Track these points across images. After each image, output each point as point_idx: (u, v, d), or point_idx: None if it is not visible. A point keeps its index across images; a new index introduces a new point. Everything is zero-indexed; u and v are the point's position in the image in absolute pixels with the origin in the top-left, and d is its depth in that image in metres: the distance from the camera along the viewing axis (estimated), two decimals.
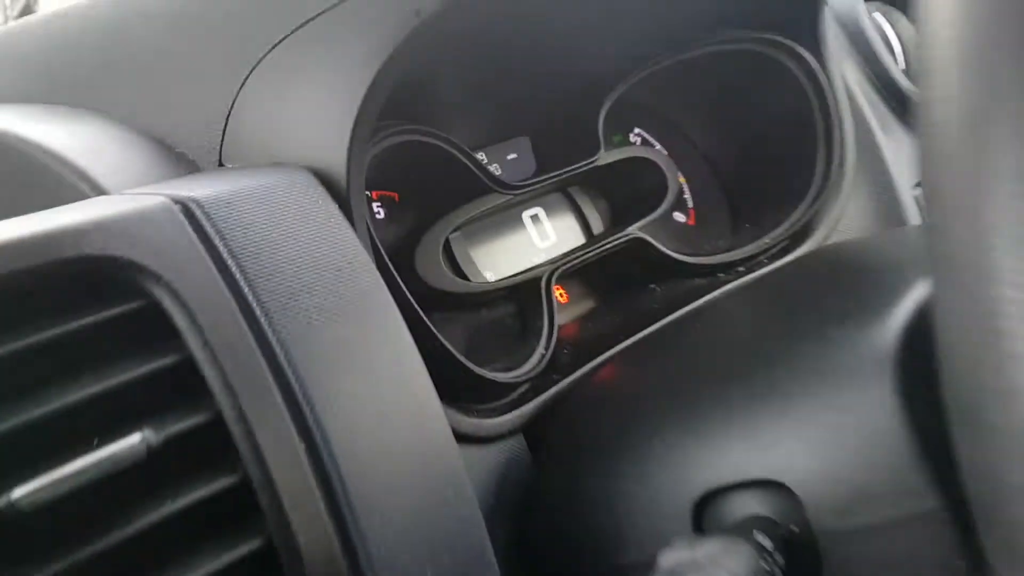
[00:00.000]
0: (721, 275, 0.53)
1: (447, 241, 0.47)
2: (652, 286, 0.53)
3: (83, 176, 0.34)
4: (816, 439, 0.29)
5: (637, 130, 0.60)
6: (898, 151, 0.58)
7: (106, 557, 0.23)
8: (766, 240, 0.54)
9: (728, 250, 0.54)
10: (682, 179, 0.60)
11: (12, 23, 0.44)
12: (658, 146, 0.60)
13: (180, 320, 0.26)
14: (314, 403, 0.27)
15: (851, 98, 0.57)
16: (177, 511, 0.24)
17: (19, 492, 0.22)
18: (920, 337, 0.29)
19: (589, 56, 0.51)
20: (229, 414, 0.25)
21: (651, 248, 0.52)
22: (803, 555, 0.29)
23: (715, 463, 0.31)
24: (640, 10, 0.49)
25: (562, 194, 0.55)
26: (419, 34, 0.33)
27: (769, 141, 0.58)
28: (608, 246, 0.51)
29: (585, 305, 0.54)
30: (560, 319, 0.48)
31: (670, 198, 0.55)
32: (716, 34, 0.54)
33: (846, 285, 0.36)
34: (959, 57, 0.19)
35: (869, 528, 0.28)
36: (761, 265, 0.53)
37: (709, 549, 0.26)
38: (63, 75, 0.38)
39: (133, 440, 0.24)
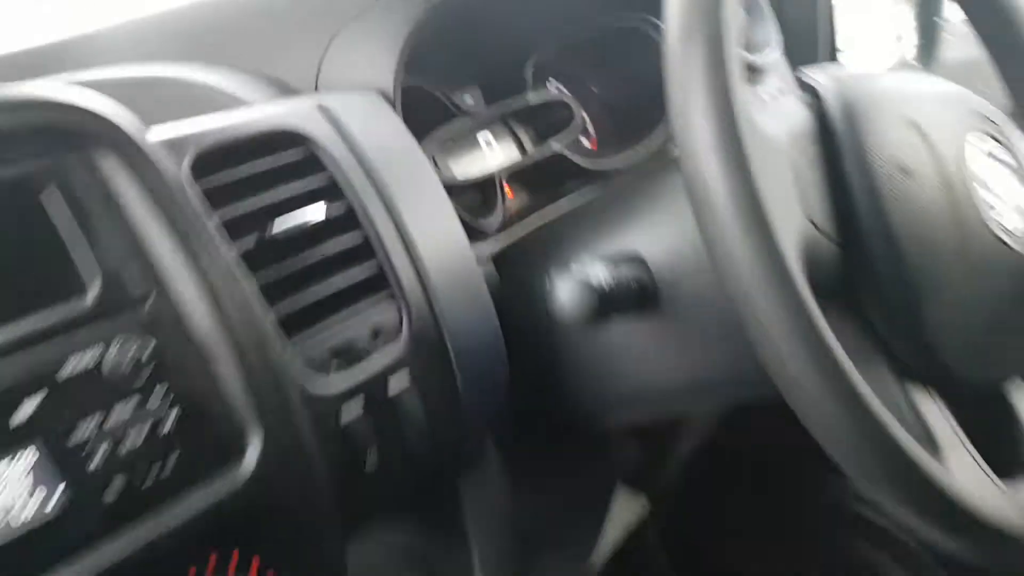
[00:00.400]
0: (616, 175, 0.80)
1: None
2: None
3: (236, 99, 0.58)
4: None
5: (553, 81, 0.86)
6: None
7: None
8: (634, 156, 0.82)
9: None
10: (585, 116, 0.87)
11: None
12: (567, 93, 0.87)
13: (326, 159, 0.51)
14: (400, 214, 0.52)
15: None
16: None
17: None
18: None
19: (521, 31, 0.78)
20: (358, 209, 0.51)
21: (566, 159, 0.78)
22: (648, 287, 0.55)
23: (600, 249, 0.57)
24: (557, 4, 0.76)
25: (503, 124, 0.81)
26: (428, 15, 0.59)
27: (642, 90, 0.86)
28: (537, 157, 0.77)
29: (523, 197, 0.80)
30: (508, 205, 0.74)
31: (576, 125, 0.81)
32: (609, 15, 0.82)
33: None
34: None
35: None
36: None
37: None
38: (208, 42, 0.62)
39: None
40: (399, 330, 0.52)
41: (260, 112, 0.51)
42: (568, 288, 0.51)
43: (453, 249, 0.55)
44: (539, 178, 0.79)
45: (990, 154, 0.52)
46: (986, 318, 0.50)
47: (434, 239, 0.54)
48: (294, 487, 0.44)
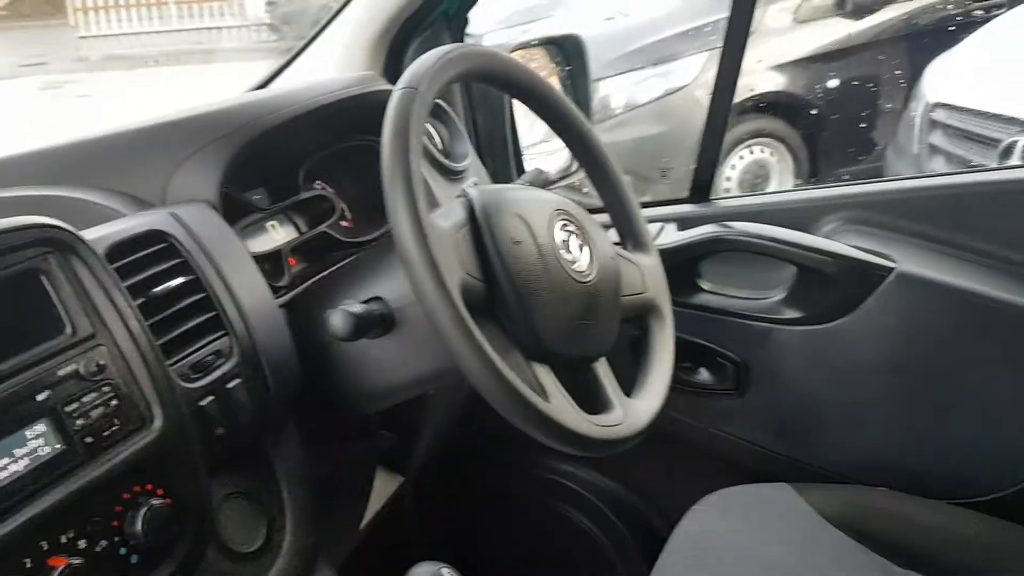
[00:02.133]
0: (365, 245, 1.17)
1: None
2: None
3: (107, 209, 0.88)
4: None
5: (319, 182, 1.22)
6: (442, 190, 1.27)
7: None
8: (382, 231, 1.19)
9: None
10: (344, 205, 1.23)
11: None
12: (330, 189, 1.23)
13: (181, 248, 0.83)
14: (228, 279, 0.85)
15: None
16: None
17: None
18: None
19: (294, 149, 1.13)
20: (202, 278, 0.83)
21: (330, 235, 1.13)
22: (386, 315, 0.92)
23: (354, 294, 0.94)
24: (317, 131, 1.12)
25: (284, 214, 1.15)
26: (237, 152, 0.93)
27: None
28: (309, 235, 1.12)
29: (303, 265, 1.15)
30: (292, 270, 1.08)
31: (336, 212, 1.17)
32: (352, 137, 1.19)
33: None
34: None
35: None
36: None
37: None
38: (81, 169, 0.92)
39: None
40: (232, 352, 0.85)
41: (135, 220, 0.82)
42: (334, 317, 0.86)
43: (262, 300, 0.89)
44: (312, 251, 1.13)
45: (566, 229, 0.93)
46: (570, 321, 0.90)
47: (250, 294, 0.88)
48: (179, 444, 0.75)
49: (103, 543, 0.69)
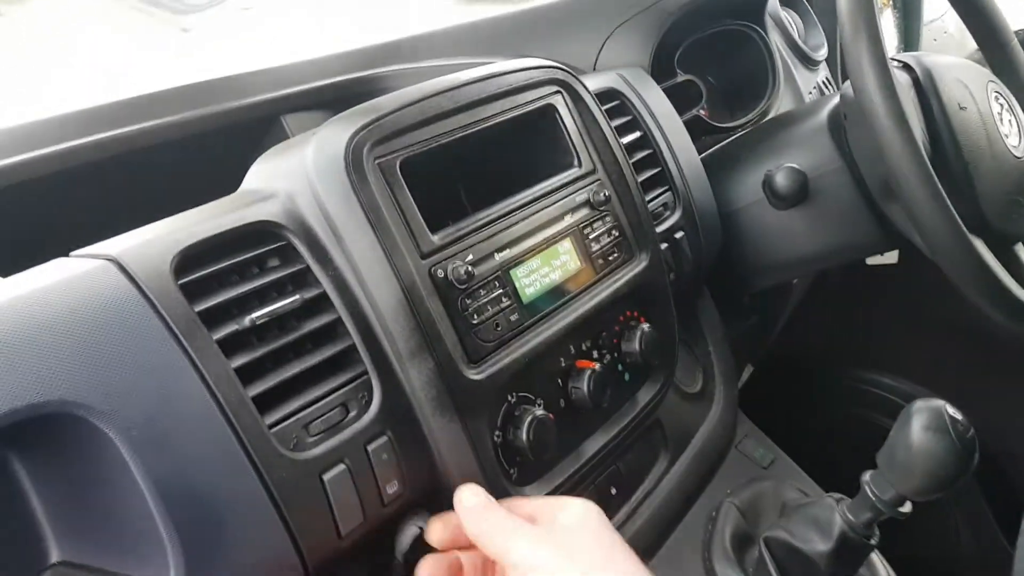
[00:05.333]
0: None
1: None
2: None
3: None
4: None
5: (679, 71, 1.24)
6: (802, 79, 1.26)
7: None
8: (749, 117, 1.20)
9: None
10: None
11: None
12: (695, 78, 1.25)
13: (632, 108, 0.87)
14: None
15: (780, 53, 1.24)
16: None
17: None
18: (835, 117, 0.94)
19: (682, 29, 1.16)
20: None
21: (701, 119, 1.16)
22: (804, 184, 0.93)
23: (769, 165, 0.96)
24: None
25: None
26: (663, 27, 0.96)
27: (743, 76, 1.24)
28: (684, 118, 1.15)
29: None
30: None
31: (704, 99, 1.19)
32: (720, 22, 1.20)
33: (792, 114, 1.02)
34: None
35: None
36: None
37: None
38: (511, 41, 0.99)
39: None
40: (676, 205, 0.89)
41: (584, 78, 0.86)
42: (780, 175, 0.88)
43: (693, 160, 0.93)
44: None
45: (999, 102, 0.91)
46: (1006, 195, 0.88)
47: (685, 153, 0.92)
48: (658, 277, 0.80)
49: (608, 357, 0.75)
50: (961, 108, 0.86)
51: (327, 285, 0.60)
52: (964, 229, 0.74)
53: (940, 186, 0.74)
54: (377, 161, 0.62)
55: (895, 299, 1.38)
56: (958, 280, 0.78)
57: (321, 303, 0.60)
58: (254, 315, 0.55)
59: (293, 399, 0.56)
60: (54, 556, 0.50)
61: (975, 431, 0.66)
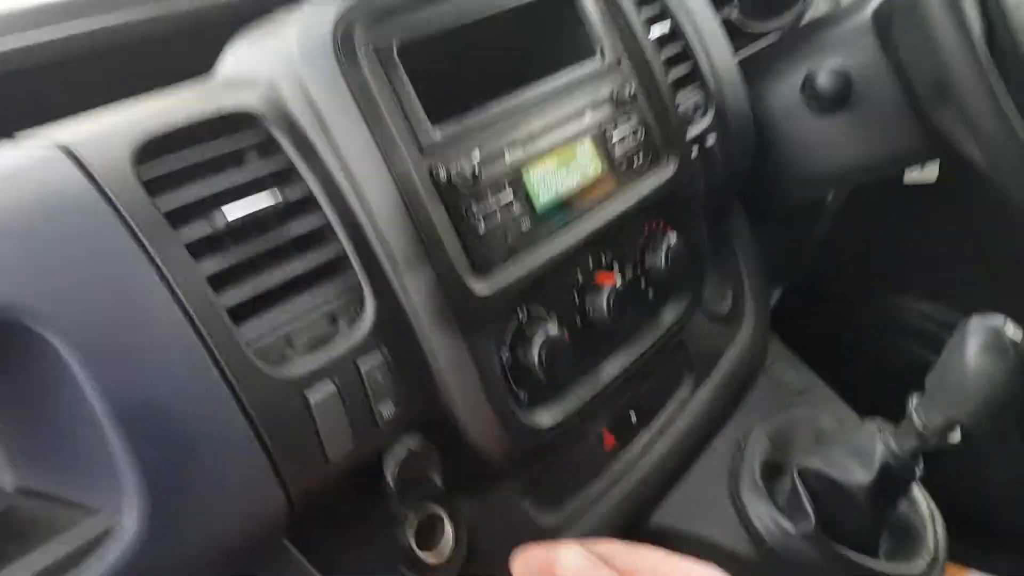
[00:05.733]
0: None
1: None
2: None
3: None
4: None
5: None
6: None
7: None
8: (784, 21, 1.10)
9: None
10: None
11: None
12: None
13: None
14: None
15: None
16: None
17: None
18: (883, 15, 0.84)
19: None
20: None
21: (732, 23, 1.06)
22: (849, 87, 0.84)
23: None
24: None
25: None
26: None
27: None
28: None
29: None
30: None
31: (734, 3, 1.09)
32: None
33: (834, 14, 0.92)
34: None
35: None
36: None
37: None
38: None
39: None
40: (708, 107, 0.80)
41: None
42: (822, 76, 0.80)
43: (727, 60, 0.84)
44: None
45: None
46: None
47: (719, 51, 0.83)
48: (687, 184, 0.72)
49: (630, 271, 0.68)
50: (1017, 7, 0.77)
51: (313, 184, 0.53)
52: (1015, 119, 0.67)
53: (1000, 84, 0.65)
54: (371, 44, 0.54)
55: (932, 220, 1.30)
56: (1016, 189, 0.70)
57: (306, 204, 0.53)
58: (228, 216, 0.48)
59: (273, 309, 0.49)
60: (7, 483, 0.45)
61: None
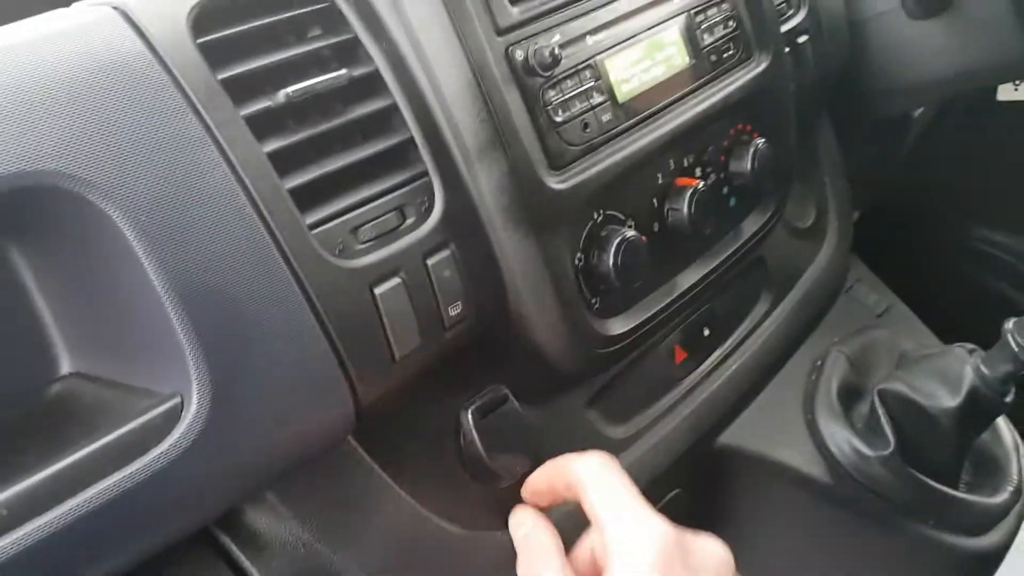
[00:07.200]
0: None
1: None
2: None
3: None
4: None
5: None
6: None
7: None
8: None
9: None
10: None
11: None
12: None
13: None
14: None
15: None
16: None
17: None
18: None
19: None
20: None
21: None
22: None
23: None
24: None
25: None
26: None
27: None
28: None
29: None
30: None
31: None
32: None
33: None
34: None
35: None
36: None
37: None
38: None
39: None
40: (801, 3, 0.73)
41: None
42: None
43: None
44: None
45: None
46: None
47: None
48: (778, 84, 0.66)
49: (712, 176, 0.64)
50: None
51: (380, 62, 0.49)
52: None
53: None
54: None
55: None
56: None
57: (373, 83, 0.49)
58: (289, 90, 0.44)
59: (339, 198, 0.46)
60: (65, 367, 0.43)
61: None
